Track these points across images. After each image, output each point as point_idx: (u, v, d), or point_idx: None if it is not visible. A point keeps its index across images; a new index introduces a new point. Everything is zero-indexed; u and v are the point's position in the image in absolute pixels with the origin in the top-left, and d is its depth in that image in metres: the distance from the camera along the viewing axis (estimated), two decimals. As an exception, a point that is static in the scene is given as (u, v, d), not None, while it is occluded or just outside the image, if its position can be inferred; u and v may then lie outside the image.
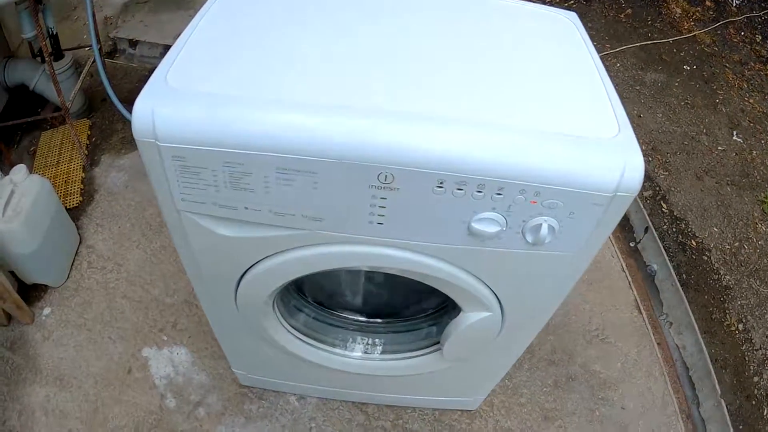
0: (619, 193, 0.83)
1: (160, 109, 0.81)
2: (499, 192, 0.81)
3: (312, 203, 0.86)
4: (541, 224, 0.86)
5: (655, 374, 1.86)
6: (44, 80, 2.13)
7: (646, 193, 2.31)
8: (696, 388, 1.89)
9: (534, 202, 0.84)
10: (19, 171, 1.73)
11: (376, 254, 0.93)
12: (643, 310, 2.00)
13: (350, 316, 1.39)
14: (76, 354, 1.73)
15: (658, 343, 1.94)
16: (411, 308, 1.39)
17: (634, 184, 0.83)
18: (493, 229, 0.85)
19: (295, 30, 0.96)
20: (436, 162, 0.78)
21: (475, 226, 0.85)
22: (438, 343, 1.28)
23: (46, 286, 1.86)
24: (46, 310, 1.83)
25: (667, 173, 2.40)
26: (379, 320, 1.42)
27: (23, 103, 2.26)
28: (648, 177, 2.37)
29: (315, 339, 1.33)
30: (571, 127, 0.85)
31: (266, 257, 0.98)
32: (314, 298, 1.36)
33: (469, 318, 1.08)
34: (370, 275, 1.30)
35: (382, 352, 1.38)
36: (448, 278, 0.97)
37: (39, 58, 2.17)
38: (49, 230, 1.76)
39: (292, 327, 1.27)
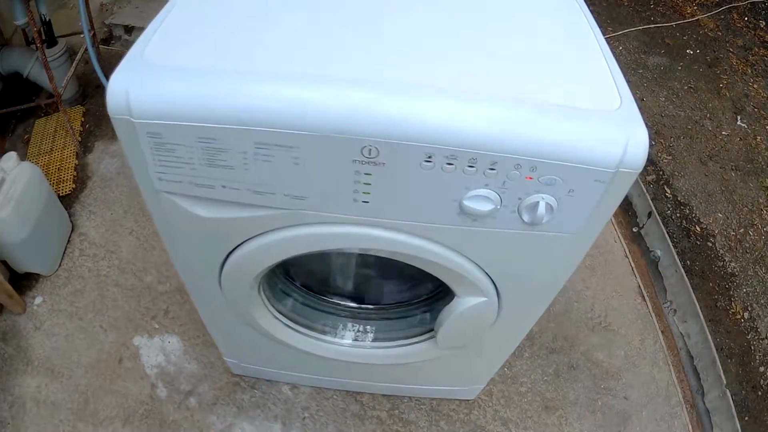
0: (621, 169, 0.76)
1: (134, 84, 0.76)
2: (492, 167, 0.74)
3: (293, 181, 0.79)
4: (538, 202, 0.79)
5: (660, 363, 1.79)
6: (38, 68, 2.06)
7: (649, 177, 2.23)
8: (701, 378, 1.82)
9: (530, 178, 0.76)
10: (10, 159, 1.67)
11: (362, 235, 0.86)
12: (646, 297, 1.93)
13: (340, 302, 1.33)
14: (67, 343, 1.68)
15: (662, 331, 1.87)
16: (403, 294, 1.32)
17: (638, 159, 0.76)
18: (486, 207, 0.78)
19: (276, 3, 0.89)
20: (422, 134, 0.71)
21: (468, 204, 0.78)
22: (432, 330, 1.22)
23: (37, 274, 1.80)
24: (38, 300, 1.77)
25: (670, 157, 2.31)
26: (370, 306, 1.35)
27: (18, 91, 2.19)
28: (651, 161, 2.29)
29: (303, 325, 1.26)
30: (570, 99, 0.78)
31: (249, 239, 0.91)
32: (302, 283, 1.29)
33: (464, 304, 1.01)
34: (361, 259, 1.23)
35: (374, 340, 1.31)
36: (440, 261, 0.90)
37: (33, 46, 2.11)
38: (40, 218, 1.70)
39: (280, 313, 1.20)
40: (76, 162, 2.08)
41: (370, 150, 0.73)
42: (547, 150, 0.74)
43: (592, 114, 0.77)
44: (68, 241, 1.89)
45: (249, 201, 0.83)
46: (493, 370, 1.41)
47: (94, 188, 2.04)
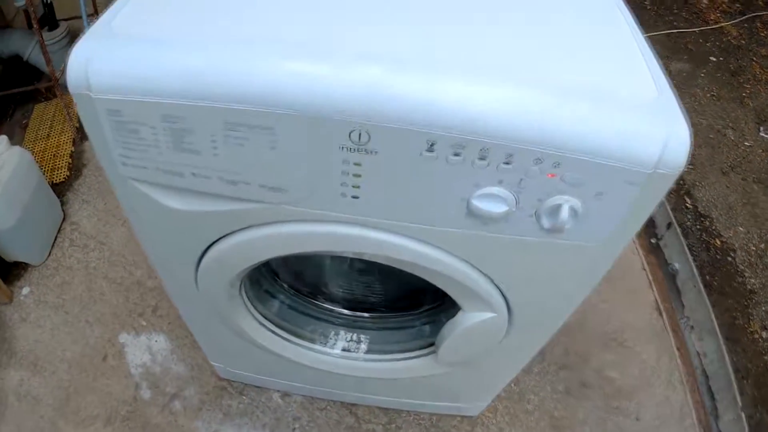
0: (659, 170, 0.62)
1: (95, 56, 0.64)
2: (507, 161, 0.60)
3: (270, 170, 0.65)
4: (560, 205, 0.64)
5: (674, 383, 1.63)
6: (39, 51, 1.94)
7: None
8: (716, 399, 1.67)
9: (552, 176, 0.62)
10: (0, 142, 1.56)
11: (352, 237, 0.72)
12: (663, 312, 1.77)
13: (331, 307, 1.18)
14: (52, 337, 1.56)
15: (678, 349, 1.72)
16: (402, 302, 1.18)
17: (679, 159, 0.62)
18: (499, 209, 0.64)
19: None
20: (423, 116, 0.57)
21: (477, 204, 0.64)
22: (433, 344, 1.08)
23: (26, 264, 1.68)
24: (25, 290, 1.65)
25: (691, 166, 2.15)
26: (365, 314, 1.21)
27: (18, 75, 2.08)
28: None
29: (289, 331, 1.12)
30: (601, 85, 0.64)
31: (225, 236, 0.78)
32: (289, 284, 1.15)
33: (470, 319, 0.87)
34: (354, 261, 1.09)
35: (368, 351, 1.17)
36: (443, 270, 0.76)
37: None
38: (29, 205, 1.58)
39: (263, 316, 1.06)
40: (72, 149, 1.96)
41: (359, 134, 0.59)
42: (573, 142, 0.60)
43: (626, 104, 0.63)
44: (59, 230, 1.77)
45: (222, 192, 0.69)
46: (499, 387, 1.27)
47: (88, 176, 1.92)
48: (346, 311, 1.20)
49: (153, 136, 0.67)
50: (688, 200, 2.07)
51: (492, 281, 0.79)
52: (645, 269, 1.86)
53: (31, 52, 1.95)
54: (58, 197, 1.80)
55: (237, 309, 0.98)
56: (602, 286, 1.77)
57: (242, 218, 0.74)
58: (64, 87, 2.05)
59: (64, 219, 1.80)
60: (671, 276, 1.91)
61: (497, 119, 0.58)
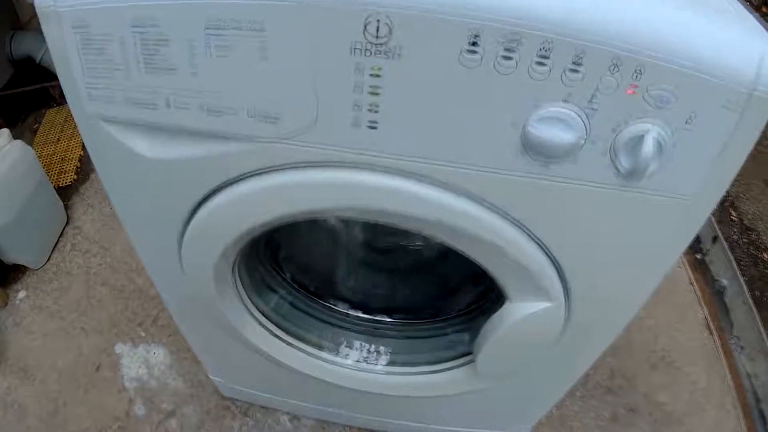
0: (756, 92, 0.46)
1: None
2: (576, 63, 0.44)
3: (261, 89, 0.49)
4: (643, 136, 0.47)
5: (727, 406, 1.42)
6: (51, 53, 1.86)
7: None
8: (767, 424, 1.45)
9: (632, 92, 0.46)
10: (1, 135, 1.44)
11: (366, 187, 0.55)
12: (714, 331, 1.56)
13: (344, 310, 1.00)
14: (45, 344, 1.41)
15: (729, 370, 1.50)
16: (433, 303, 1.00)
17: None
18: (565, 137, 0.47)
19: None
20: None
21: (536, 131, 0.47)
22: (469, 354, 0.89)
23: (25, 268, 1.54)
24: (21, 294, 1.51)
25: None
26: (386, 318, 1.03)
27: (30, 78, 1.99)
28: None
29: (292, 334, 0.93)
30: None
31: (209, 197, 0.62)
32: (293, 276, 0.97)
33: (518, 311, 0.68)
34: (372, 246, 0.92)
35: (389, 363, 0.99)
36: (485, 235, 0.58)
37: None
38: (29, 202, 1.45)
39: (262, 313, 0.89)
40: (81, 153, 1.85)
41: (377, 26, 0.43)
42: (659, 40, 0.44)
43: (715, 10, 0.47)
44: (61, 234, 1.64)
45: (202, 126, 0.54)
46: (545, 408, 1.05)
47: (95, 180, 1.79)
48: (361, 315, 1.02)
49: (122, 53, 0.52)
50: (733, 212, 1.88)
51: (549, 254, 0.60)
52: (693, 284, 1.65)
53: (44, 54, 1.86)
54: (64, 201, 1.67)
55: (228, 299, 0.80)
56: (649, 300, 1.58)
57: (228, 166, 0.58)
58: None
59: (67, 223, 1.67)
60: (719, 293, 1.70)
61: (564, 5, 0.42)
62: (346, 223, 0.84)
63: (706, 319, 1.59)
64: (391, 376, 0.97)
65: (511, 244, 0.58)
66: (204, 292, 0.76)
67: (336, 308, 1.00)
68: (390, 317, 1.03)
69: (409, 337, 1.01)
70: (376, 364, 0.98)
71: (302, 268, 0.96)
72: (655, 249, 0.59)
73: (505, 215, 0.56)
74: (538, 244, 0.59)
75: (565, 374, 0.89)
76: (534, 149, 0.48)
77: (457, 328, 0.96)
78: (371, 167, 0.53)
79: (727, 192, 1.76)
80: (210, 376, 1.25)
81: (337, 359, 0.98)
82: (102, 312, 1.47)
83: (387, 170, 0.54)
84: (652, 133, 0.47)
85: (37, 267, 1.55)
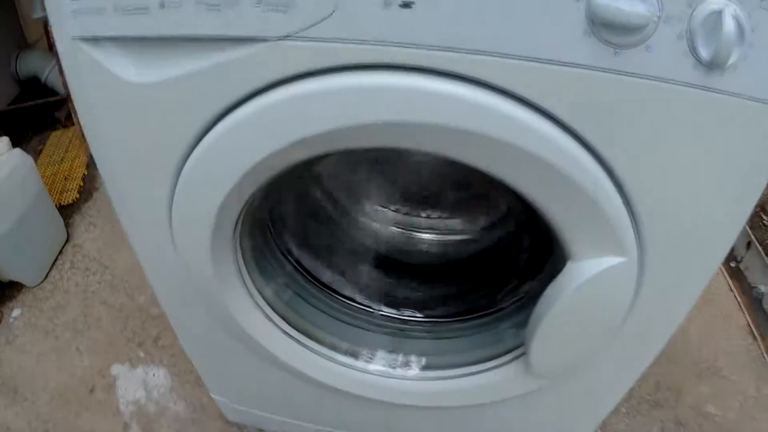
0: None
1: None
2: None
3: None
4: (721, 11, 0.38)
5: (779, 415, 1.27)
6: (56, 73, 1.82)
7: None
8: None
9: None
10: (0, 142, 1.38)
11: (399, 92, 0.45)
12: (758, 337, 1.43)
13: (367, 304, 0.88)
14: (37, 364, 1.29)
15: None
16: (472, 298, 0.88)
17: None
18: (637, 7, 0.38)
19: None
20: None
21: (603, 4, 0.38)
22: (515, 349, 0.76)
23: (21, 285, 1.45)
24: (16, 312, 1.41)
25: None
26: (418, 315, 0.90)
27: (37, 97, 1.94)
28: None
29: (304, 332, 0.80)
30: None
31: (204, 132, 0.52)
32: (297, 259, 0.84)
33: (583, 272, 0.55)
34: (402, 221, 0.81)
35: (423, 368, 0.83)
36: (539, 152, 0.46)
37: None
38: (27, 214, 1.37)
39: (268, 304, 0.76)
40: (85, 172, 1.77)
41: None
42: None
43: None
44: (60, 252, 1.54)
45: (200, 28, 0.45)
46: (602, 414, 0.90)
47: (98, 199, 1.71)
48: (386, 311, 0.90)
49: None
50: (764, 217, 1.77)
51: (618, 184, 0.49)
52: (733, 291, 1.53)
53: (49, 74, 1.82)
54: (65, 219, 1.59)
55: (229, 283, 0.68)
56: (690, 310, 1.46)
57: (228, 83, 0.48)
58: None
59: (67, 241, 1.58)
60: (757, 300, 1.57)
61: None
62: (371, 186, 0.74)
63: (749, 326, 1.45)
64: (425, 383, 0.83)
65: (571, 163, 0.47)
66: (200, 272, 0.65)
67: (357, 303, 0.88)
68: (420, 314, 0.91)
69: (443, 337, 0.89)
70: (409, 369, 0.85)
71: (315, 250, 0.85)
72: (738, 173, 0.48)
73: (568, 128, 0.46)
74: (603, 163, 0.48)
75: (628, 366, 0.75)
76: (601, 24, 0.39)
77: (504, 321, 0.84)
78: (405, 66, 0.43)
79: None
80: (212, 396, 1.12)
81: (358, 363, 0.85)
82: (99, 331, 1.36)
83: (427, 69, 0.43)
84: (728, 10, 0.38)
85: (33, 285, 1.46)
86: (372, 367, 0.84)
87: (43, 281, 1.47)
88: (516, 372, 0.74)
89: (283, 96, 0.46)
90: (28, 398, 1.23)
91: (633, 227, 0.52)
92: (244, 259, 0.72)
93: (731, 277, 1.62)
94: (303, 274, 0.84)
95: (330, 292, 0.86)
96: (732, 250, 1.70)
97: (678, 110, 0.44)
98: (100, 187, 1.77)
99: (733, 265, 1.66)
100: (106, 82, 0.51)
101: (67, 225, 1.60)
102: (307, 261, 0.85)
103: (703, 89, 0.42)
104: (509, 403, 0.80)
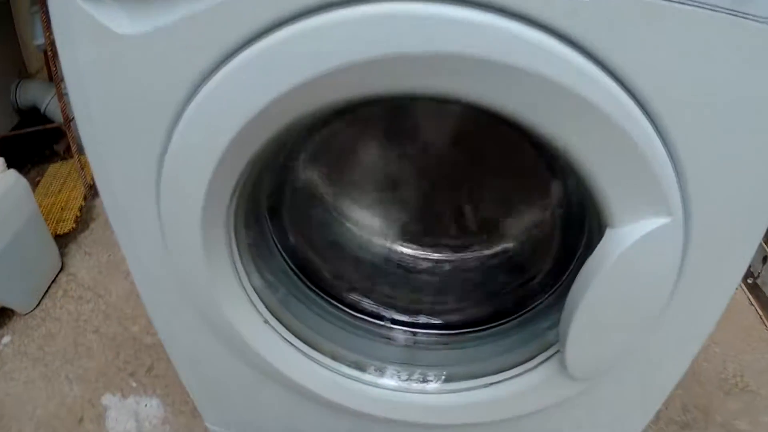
0: None
1: None
2: None
3: None
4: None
5: (813, 427, 1.18)
6: (56, 103, 1.80)
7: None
8: None
9: None
10: (-5, 161, 1.35)
11: (419, 17, 0.41)
12: (784, 350, 1.36)
13: (373, 311, 0.81)
14: (25, 392, 1.22)
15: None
16: (497, 301, 0.81)
17: None
18: None
19: None
20: None
21: None
22: (547, 351, 0.69)
23: (12, 312, 1.39)
24: (6, 339, 1.34)
25: None
26: (434, 327, 0.83)
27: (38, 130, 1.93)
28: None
29: (306, 341, 0.74)
30: None
31: (202, 80, 0.47)
32: (295, 257, 0.77)
33: (626, 238, 0.50)
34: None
35: (443, 380, 0.75)
36: (585, 92, 0.43)
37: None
38: (19, 236, 1.32)
39: (262, 300, 0.70)
40: (82, 203, 1.74)
41: None
42: None
43: None
44: (54, 280, 1.49)
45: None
46: (641, 424, 0.82)
47: (95, 230, 1.67)
48: (399, 319, 0.83)
49: None
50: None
51: (661, 136, 0.45)
52: (753, 304, 1.46)
53: (49, 104, 1.81)
54: (60, 249, 1.54)
55: (222, 276, 0.62)
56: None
57: (228, 23, 0.44)
58: (80, 146, 1.89)
59: (62, 270, 1.52)
60: (778, 316, 1.50)
61: None
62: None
63: (773, 339, 1.39)
64: (447, 396, 0.74)
65: (623, 111, 0.43)
66: (190, 260, 0.60)
67: (364, 308, 0.82)
68: (437, 319, 0.84)
69: (465, 346, 0.82)
70: (430, 383, 0.77)
71: (316, 249, 0.80)
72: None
73: (605, 65, 0.42)
74: (642, 107, 0.44)
75: (676, 359, 0.68)
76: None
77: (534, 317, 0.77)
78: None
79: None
80: (208, 425, 1.04)
81: (366, 377, 0.77)
82: (90, 360, 1.29)
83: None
84: None
85: (25, 312, 1.40)
86: (384, 381, 0.77)
87: (34, 309, 1.41)
88: (549, 372, 0.67)
89: (285, 35, 0.42)
90: (13, 426, 1.15)
91: (678, 184, 0.47)
92: (240, 255, 0.67)
93: (750, 292, 1.56)
94: (299, 274, 0.78)
95: (330, 296, 0.80)
96: (749, 266, 1.64)
97: (719, 39, 0.40)
98: (98, 217, 1.73)
99: (750, 281, 1.61)
100: (98, 36, 0.47)
101: (62, 254, 1.55)
102: (307, 259, 0.79)
103: (733, 13, 0.39)
104: (538, 418, 0.72)
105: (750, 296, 1.50)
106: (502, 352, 0.75)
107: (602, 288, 0.53)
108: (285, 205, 0.77)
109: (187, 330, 0.76)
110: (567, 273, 0.73)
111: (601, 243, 0.52)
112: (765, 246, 1.61)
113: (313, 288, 0.80)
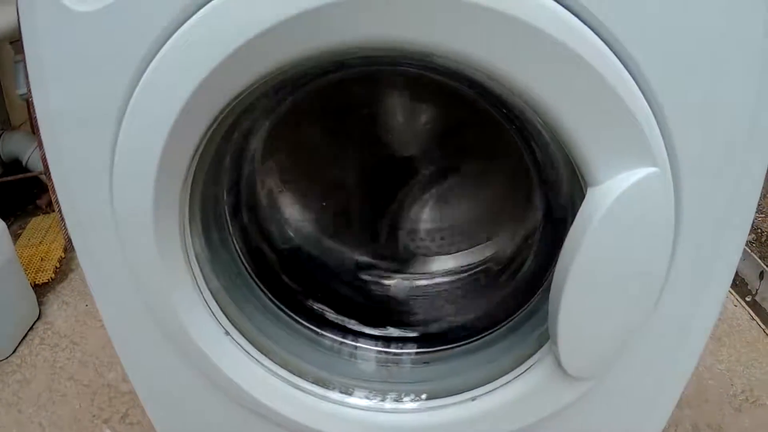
0: None
1: None
2: None
3: None
4: None
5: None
6: (37, 156, 1.79)
7: (749, 237, 1.71)
8: None
9: None
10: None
11: None
12: (789, 362, 1.31)
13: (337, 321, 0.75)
14: (-4, 438, 1.14)
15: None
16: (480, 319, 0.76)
17: None
18: None
19: None
20: None
21: None
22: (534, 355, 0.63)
23: (-12, 358, 1.32)
24: (-21, 384, 1.26)
25: (762, 215, 1.83)
26: (410, 348, 0.78)
27: (18, 181, 1.90)
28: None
29: (271, 356, 0.67)
30: None
31: (157, 47, 0.45)
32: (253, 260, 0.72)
33: (612, 190, 0.46)
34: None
35: (428, 398, 0.68)
36: (561, 36, 0.41)
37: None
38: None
39: (217, 302, 0.64)
40: (62, 255, 1.70)
41: None
42: None
43: None
44: (31, 328, 1.42)
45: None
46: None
47: (74, 280, 1.62)
48: (369, 333, 0.78)
49: None
50: (773, 246, 1.71)
51: (635, 77, 0.44)
52: (755, 319, 1.43)
53: (30, 156, 1.79)
54: (39, 298, 1.49)
55: (177, 272, 0.58)
56: (714, 345, 1.35)
57: None
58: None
59: (39, 318, 1.46)
60: (778, 331, 1.45)
61: None
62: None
63: (778, 351, 1.34)
64: (424, 414, 0.68)
65: (598, 54, 0.42)
66: (144, 257, 0.55)
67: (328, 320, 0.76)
68: (413, 342, 0.79)
69: (443, 359, 0.76)
70: (408, 402, 0.70)
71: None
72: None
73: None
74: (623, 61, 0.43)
75: (681, 350, 0.62)
76: None
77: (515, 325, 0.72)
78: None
79: (760, 229, 1.61)
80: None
81: (334, 395, 0.70)
82: (64, 407, 1.21)
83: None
84: None
85: (0, 358, 1.32)
86: (349, 400, 0.68)
87: (10, 355, 1.35)
88: (544, 377, 0.61)
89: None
90: (-19, 476, 1.06)
91: (660, 131, 0.45)
92: (196, 256, 0.63)
93: (750, 308, 1.52)
94: (254, 277, 0.73)
95: (287, 305, 0.74)
96: (746, 284, 1.60)
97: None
98: (77, 268, 1.68)
99: (749, 299, 1.57)
100: (57, 13, 0.46)
101: (40, 303, 1.50)
102: (267, 265, 0.75)
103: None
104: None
105: (751, 312, 1.46)
106: (488, 361, 0.69)
107: (593, 250, 0.49)
108: (244, 206, 0.74)
109: (151, 358, 0.70)
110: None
111: (585, 201, 0.49)
112: (762, 263, 1.58)
113: (262, 287, 0.74)
